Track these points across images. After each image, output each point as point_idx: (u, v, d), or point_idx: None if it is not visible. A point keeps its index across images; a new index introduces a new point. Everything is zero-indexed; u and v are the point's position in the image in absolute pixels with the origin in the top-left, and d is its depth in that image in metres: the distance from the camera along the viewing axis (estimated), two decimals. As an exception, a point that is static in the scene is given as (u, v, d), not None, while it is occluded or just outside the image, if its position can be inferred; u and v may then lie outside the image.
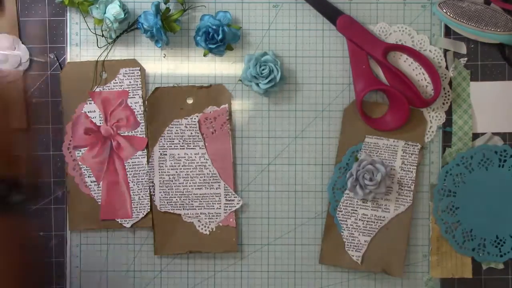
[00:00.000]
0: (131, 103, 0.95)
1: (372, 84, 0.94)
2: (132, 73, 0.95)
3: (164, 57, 0.96)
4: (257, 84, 0.93)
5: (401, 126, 0.95)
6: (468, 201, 0.95)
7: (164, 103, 0.95)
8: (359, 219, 0.95)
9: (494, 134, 0.96)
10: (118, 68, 0.95)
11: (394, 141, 0.95)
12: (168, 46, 0.96)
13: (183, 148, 0.95)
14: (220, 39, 0.92)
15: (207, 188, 0.95)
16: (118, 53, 0.95)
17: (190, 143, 0.95)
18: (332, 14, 0.94)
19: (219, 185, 0.95)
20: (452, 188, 0.95)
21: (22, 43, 0.96)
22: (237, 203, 0.95)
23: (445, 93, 0.95)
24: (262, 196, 0.96)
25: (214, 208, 0.95)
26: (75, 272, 0.96)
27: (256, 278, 0.97)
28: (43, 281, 0.94)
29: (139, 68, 0.95)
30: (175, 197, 0.95)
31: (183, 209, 0.95)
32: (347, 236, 0.95)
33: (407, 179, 0.95)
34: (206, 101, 0.95)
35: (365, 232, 0.95)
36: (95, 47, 0.95)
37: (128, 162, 0.95)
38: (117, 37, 0.95)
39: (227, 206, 0.95)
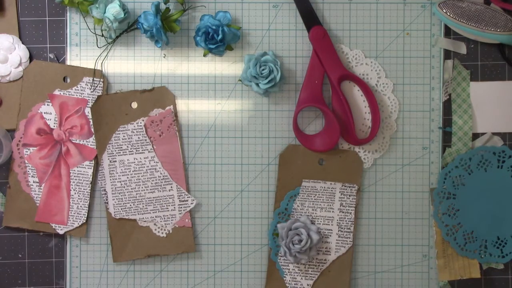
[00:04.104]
0: (88, 112, 0.95)
1: (315, 100, 0.93)
2: (95, 84, 0.95)
3: (164, 57, 0.96)
4: (257, 84, 0.93)
5: (326, 150, 0.94)
6: (468, 203, 0.95)
7: (108, 110, 0.95)
8: (301, 263, 0.95)
9: (494, 134, 0.96)
10: (82, 76, 0.95)
11: (331, 184, 0.95)
12: (168, 46, 0.96)
13: (132, 153, 0.95)
14: (220, 39, 0.92)
15: (160, 191, 0.95)
16: (118, 53, 0.96)
17: (139, 148, 0.95)
18: (309, 21, 0.94)
19: (171, 187, 0.95)
20: (452, 191, 0.95)
21: (22, 43, 0.96)
22: (191, 203, 0.95)
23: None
24: (263, 197, 0.96)
25: (168, 210, 0.95)
26: (75, 272, 0.97)
27: (256, 278, 0.97)
28: None
29: (102, 80, 0.95)
30: (128, 202, 0.95)
31: (138, 214, 0.95)
32: (289, 281, 0.95)
33: (346, 221, 0.95)
34: (151, 104, 0.95)
35: (307, 276, 0.95)
36: (95, 47, 0.95)
37: (74, 170, 0.95)
38: (117, 37, 0.95)
39: (181, 207, 0.95)
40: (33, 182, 0.95)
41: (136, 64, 0.96)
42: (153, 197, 0.95)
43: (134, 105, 0.95)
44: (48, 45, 0.96)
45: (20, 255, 0.97)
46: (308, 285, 0.95)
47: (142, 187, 0.95)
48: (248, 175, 0.96)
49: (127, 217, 0.95)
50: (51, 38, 0.96)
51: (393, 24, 0.96)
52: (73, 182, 0.95)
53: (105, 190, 0.95)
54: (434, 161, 0.96)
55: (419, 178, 0.96)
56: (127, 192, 0.95)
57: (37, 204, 0.95)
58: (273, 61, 0.92)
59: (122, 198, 0.95)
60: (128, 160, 0.95)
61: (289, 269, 0.95)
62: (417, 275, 0.97)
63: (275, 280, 0.95)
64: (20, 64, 0.95)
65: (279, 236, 0.93)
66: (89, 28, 0.95)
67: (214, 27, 0.92)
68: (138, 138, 0.95)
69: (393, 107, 0.96)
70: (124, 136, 0.95)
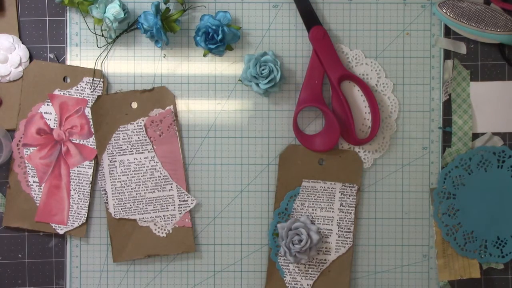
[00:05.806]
0: (88, 112, 0.95)
1: (315, 100, 0.93)
2: (95, 83, 0.95)
3: (164, 57, 0.96)
4: (257, 84, 0.93)
5: (326, 150, 0.94)
6: (468, 203, 0.95)
7: (108, 110, 0.95)
8: (301, 263, 0.95)
9: (494, 134, 0.96)
10: (82, 76, 0.95)
11: (331, 184, 0.95)
12: (168, 46, 0.96)
13: (132, 153, 0.95)
14: (220, 39, 0.92)
15: (160, 191, 0.95)
16: (118, 53, 0.96)
17: (139, 148, 0.95)
18: (309, 21, 0.94)
19: (171, 187, 0.95)
20: (452, 191, 0.95)
21: (22, 43, 0.96)
22: (191, 203, 0.95)
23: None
24: (263, 197, 0.96)
25: (168, 210, 0.95)
26: (75, 272, 0.97)
27: (256, 278, 0.97)
28: None
29: (102, 80, 0.95)
30: (128, 202, 0.95)
31: (138, 214, 0.95)
32: (289, 281, 0.95)
33: (346, 221, 0.95)
34: (151, 104, 0.95)
35: (307, 276, 0.95)
36: (95, 47, 0.95)
37: (74, 170, 0.95)
38: (117, 37, 0.95)
39: (181, 207, 0.95)
40: (33, 182, 0.95)
41: (136, 64, 0.96)
42: (153, 197, 0.95)
43: (134, 105, 0.95)
44: (48, 45, 0.96)
45: (20, 255, 0.97)
46: (308, 285, 0.95)
47: (142, 187, 0.95)
48: (248, 175, 0.96)
49: (127, 217, 0.95)
50: (51, 38, 0.96)
51: (393, 24, 0.96)
52: (73, 182, 0.95)
53: (105, 190, 0.95)
54: (434, 161, 0.96)
55: (419, 178, 0.96)
56: (127, 192, 0.95)
57: (37, 204, 0.95)
58: (273, 61, 0.92)
59: (122, 198, 0.95)
60: (128, 160, 0.95)
61: (289, 269, 0.95)
62: (417, 275, 0.97)
63: (275, 280, 0.95)
64: (20, 64, 0.95)
65: (279, 236, 0.93)
66: (89, 28, 0.95)
67: (214, 27, 0.92)
68: (138, 138, 0.95)
69: (393, 107, 0.96)
70: (124, 136, 0.95)
